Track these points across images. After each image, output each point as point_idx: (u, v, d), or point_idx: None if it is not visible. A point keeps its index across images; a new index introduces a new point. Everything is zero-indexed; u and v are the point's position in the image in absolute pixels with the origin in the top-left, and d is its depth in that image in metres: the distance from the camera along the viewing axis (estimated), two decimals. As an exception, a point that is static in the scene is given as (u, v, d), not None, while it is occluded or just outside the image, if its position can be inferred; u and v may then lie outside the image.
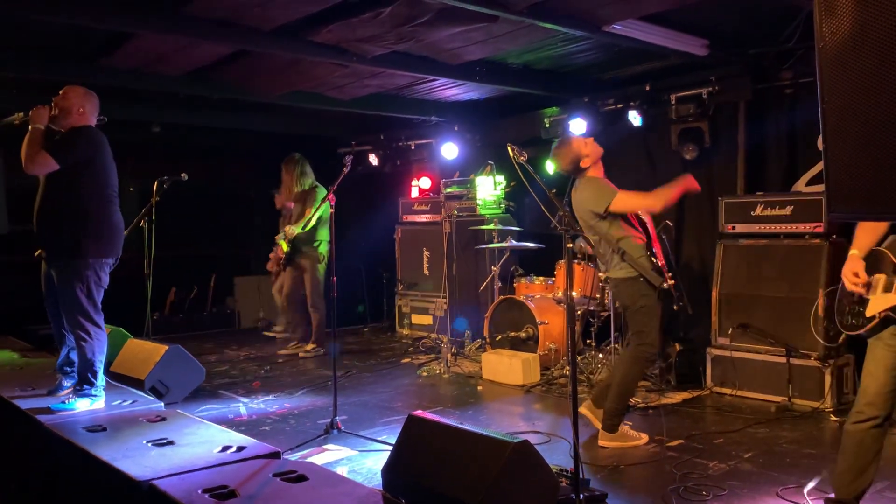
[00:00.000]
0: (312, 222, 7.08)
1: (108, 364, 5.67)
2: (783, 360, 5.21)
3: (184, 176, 6.21)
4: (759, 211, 5.52)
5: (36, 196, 4.36)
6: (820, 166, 5.79)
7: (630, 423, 4.51)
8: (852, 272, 3.01)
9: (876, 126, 1.50)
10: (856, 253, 3.04)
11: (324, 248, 7.27)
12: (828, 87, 1.61)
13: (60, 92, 4.46)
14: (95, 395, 4.23)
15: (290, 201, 7.47)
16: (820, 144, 1.74)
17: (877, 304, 2.96)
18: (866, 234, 3.04)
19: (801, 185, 5.85)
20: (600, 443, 4.41)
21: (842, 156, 1.59)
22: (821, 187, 5.62)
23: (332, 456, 4.25)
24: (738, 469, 3.95)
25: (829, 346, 5.04)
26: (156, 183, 6.18)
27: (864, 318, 3.02)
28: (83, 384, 4.22)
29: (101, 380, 4.30)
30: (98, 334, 4.29)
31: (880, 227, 3.03)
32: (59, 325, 4.58)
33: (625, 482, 3.86)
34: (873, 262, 3.02)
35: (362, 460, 4.18)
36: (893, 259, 2.97)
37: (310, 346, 7.39)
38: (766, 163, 6.14)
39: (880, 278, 2.98)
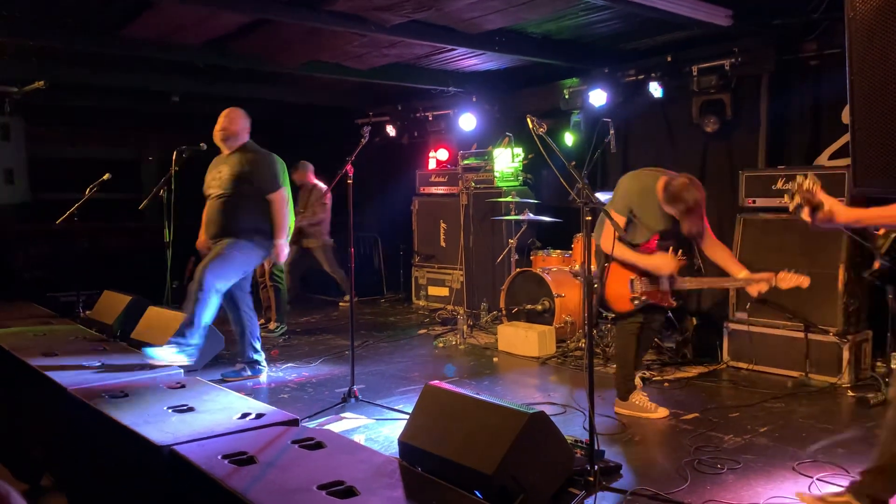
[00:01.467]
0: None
1: (128, 331, 5.76)
2: (801, 335, 5.18)
3: (203, 146, 6.21)
4: (780, 185, 5.45)
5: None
6: (843, 140, 5.70)
7: (647, 395, 4.53)
8: None
9: (905, 98, 1.47)
10: None
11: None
12: (857, 57, 1.57)
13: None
14: (187, 348, 4.76)
15: None
16: (845, 117, 1.70)
17: None
18: None
19: (823, 159, 5.77)
20: (615, 409, 4.51)
21: (869, 128, 1.56)
22: (844, 161, 5.54)
23: (349, 424, 4.30)
24: (753, 443, 3.95)
25: (848, 322, 5.00)
26: (175, 153, 6.20)
27: None
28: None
29: (196, 339, 4.83)
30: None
31: None
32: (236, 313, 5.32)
33: (640, 454, 3.87)
34: None
35: (379, 428, 4.22)
36: None
37: (273, 326, 7.00)
38: (788, 136, 6.05)
39: None
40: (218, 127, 5.28)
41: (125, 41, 6.06)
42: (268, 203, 5.15)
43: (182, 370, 4.45)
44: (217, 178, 5.24)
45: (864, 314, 5.26)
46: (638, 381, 4.75)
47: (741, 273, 4.16)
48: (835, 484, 3.32)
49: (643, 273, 4.30)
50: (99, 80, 7.65)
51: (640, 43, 6.59)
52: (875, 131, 1.54)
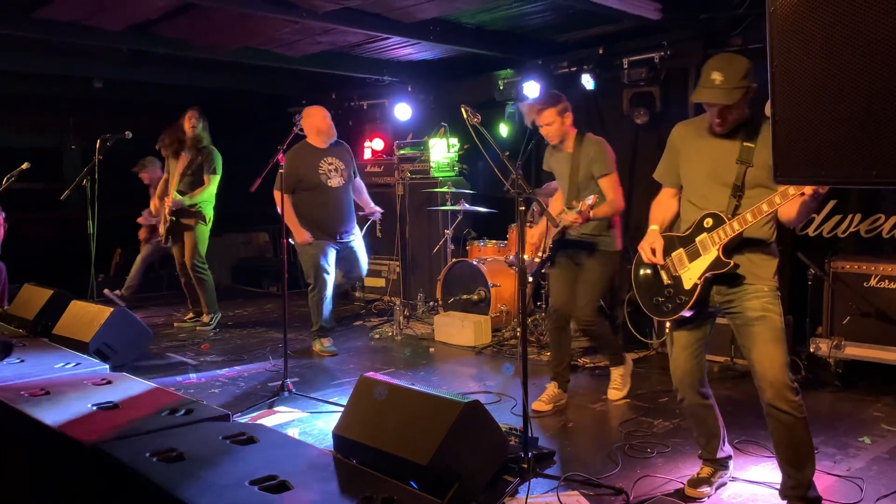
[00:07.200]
0: (213, 190, 6.62)
1: (50, 326, 5.54)
2: (726, 321, 5.32)
3: (128, 134, 6.02)
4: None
5: None
6: (766, 132, 5.88)
7: (558, 390, 4.50)
8: (650, 246, 3.16)
9: (825, 90, 1.52)
10: (655, 228, 3.22)
11: (209, 211, 6.67)
12: (778, 50, 1.61)
13: None
14: None
15: (172, 155, 6.78)
16: (767, 110, 1.75)
17: (692, 273, 3.06)
18: (661, 210, 3.28)
19: (747, 151, 5.94)
20: None
21: (790, 120, 1.60)
22: (767, 153, 5.72)
23: (282, 418, 4.24)
24: (681, 427, 4.06)
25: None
26: (98, 141, 5.99)
27: (685, 295, 3.08)
28: None
29: None
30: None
31: (673, 205, 3.29)
32: None
33: (572, 440, 3.94)
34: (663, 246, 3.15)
35: (313, 422, 4.18)
36: (680, 233, 3.11)
37: (206, 318, 6.84)
38: (714, 128, 6.21)
39: (679, 254, 3.10)
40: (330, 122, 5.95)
41: (42, 24, 5.77)
42: None
43: (108, 366, 4.31)
44: (338, 170, 5.87)
45: (785, 301, 5.44)
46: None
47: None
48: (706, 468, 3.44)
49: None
50: (15, 64, 7.30)
51: (573, 35, 6.66)
52: (796, 122, 1.58)
